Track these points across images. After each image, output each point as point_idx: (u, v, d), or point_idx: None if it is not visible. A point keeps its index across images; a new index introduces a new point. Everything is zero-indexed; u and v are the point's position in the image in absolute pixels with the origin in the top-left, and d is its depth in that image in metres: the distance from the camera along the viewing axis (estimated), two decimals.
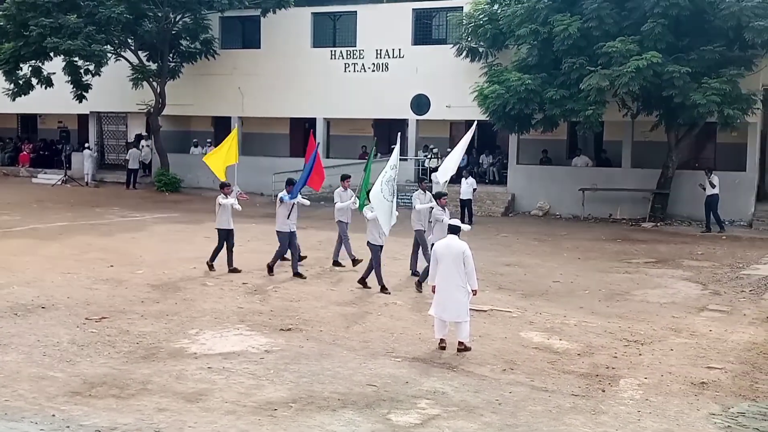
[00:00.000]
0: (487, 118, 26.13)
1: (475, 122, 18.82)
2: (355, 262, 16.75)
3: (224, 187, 16.62)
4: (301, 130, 31.82)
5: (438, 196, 14.97)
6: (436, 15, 31.26)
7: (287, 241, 16.03)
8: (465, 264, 10.94)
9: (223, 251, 16.33)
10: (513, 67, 25.78)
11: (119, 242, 19.92)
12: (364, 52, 31.21)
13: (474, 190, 25.88)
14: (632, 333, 12.14)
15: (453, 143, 31.79)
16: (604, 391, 9.42)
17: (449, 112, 30.02)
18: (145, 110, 33.44)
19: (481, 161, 31.41)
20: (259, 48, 33.17)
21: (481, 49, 28.24)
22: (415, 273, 16.06)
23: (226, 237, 16.33)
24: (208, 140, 35.20)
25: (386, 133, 30.98)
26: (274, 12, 31.62)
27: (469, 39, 28.19)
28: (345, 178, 17.56)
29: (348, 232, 17.12)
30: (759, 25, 21.77)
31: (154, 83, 32.44)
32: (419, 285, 14.82)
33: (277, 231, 16.14)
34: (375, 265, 14.85)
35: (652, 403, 8.99)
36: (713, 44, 23.03)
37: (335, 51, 31.85)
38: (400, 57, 30.69)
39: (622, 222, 26.25)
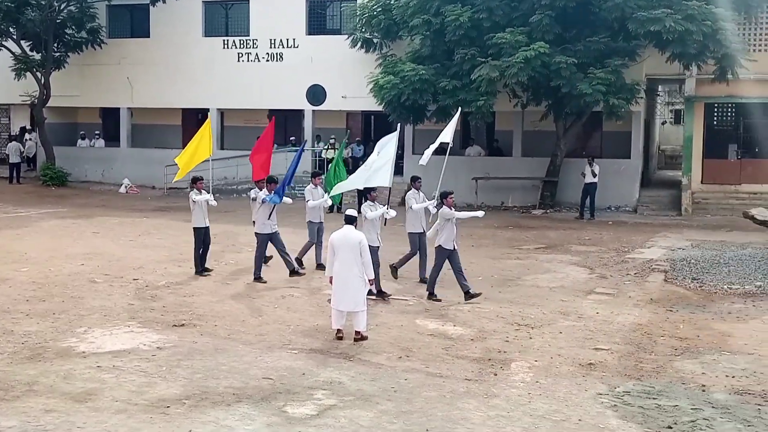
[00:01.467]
0: (383, 109, 26.28)
1: (459, 109, 18.13)
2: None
3: (197, 182, 15.44)
4: (194, 120, 31.15)
5: (444, 195, 13.66)
6: (330, 5, 31.20)
7: (266, 243, 15.00)
8: (362, 254, 10.98)
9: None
10: (407, 58, 25.99)
11: (2, 239, 19.08)
12: (258, 41, 30.88)
13: None
14: (523, 317, 12.45)
15: (351, 134, 31.89)
16: (496, 374, 9.63)
17: (345, 102, 30.03)
18: (29, 102, 32.16)
19: None
20: (149, 37, 32.36)
21: (375, 40, 28.36)
22: (423, 280, 14.68)
23: (203, 236, 15.37)
24: (96, 132, 34.16)
25: (282, 124, 30.70)
26: (164, 1, 30.90)
27: (363, 30, 28.26)
28: (316, 175, 16.63)
29: (316, 236, 16.04)
30: (642, 16, 22.60)
31: (38, 74, 31.23)
32: (431, 295, 13.56)
33: (256, 233, 15.03)
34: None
35: (542, 385, 9.24)
36: (599, 35, 23.83)
37: (228, 40, 31.39)
38: (294, 47, 30.49)
39: (513, 209, 26.88)
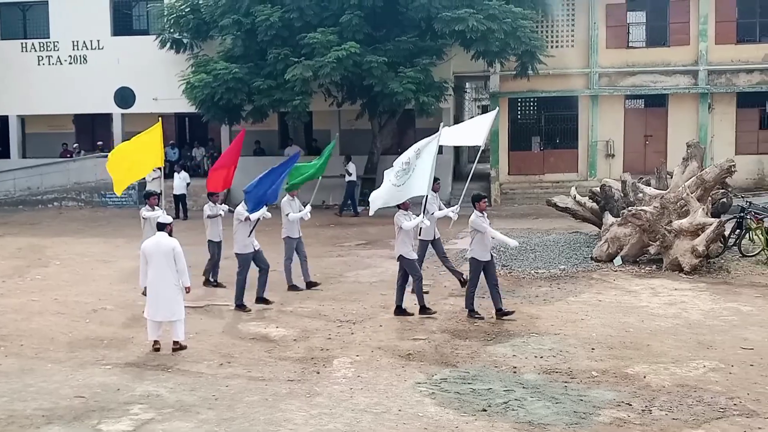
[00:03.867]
0: (196, 110, 25.74)
1: (497, 109, 16.23)
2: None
3: (150, 197, 13.95)
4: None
5: (477, 199, 12.23)
6: (136, 5, 30.21)
7: (249, 264, 13.22)
8: (176, 261, 10.66)
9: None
10: (219, 57, 25.58)
11: None
12: (59, 44, 29.42)
13: (187, 184, 25.38)
14: (345, 313, 12.59)
15: (164, 137, 30.97)
16: (318, 372, 9.68)
17: (157, 104, 29.08)
18: None
19: (193, 154, 30.86)
20: None
21: (185, 40, 27.73)
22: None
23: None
24: None
25: (89, 128, 29.43)
26: None
27: (172, 30, 27.54)
28: (293, 187, 14.91)
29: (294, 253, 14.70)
30: (446, 16, 23.42)
31: None
32: (472, 312, 12.29)
33: (237, 254, 13.23)
34: (415, 280, 12.48)
35: (364, 379, 9.38)
36: (407, 35, 24.47)
37: (26, 43, 29.70)
38: (99, 49, 29.28)
39: (334, 207, 27.08)
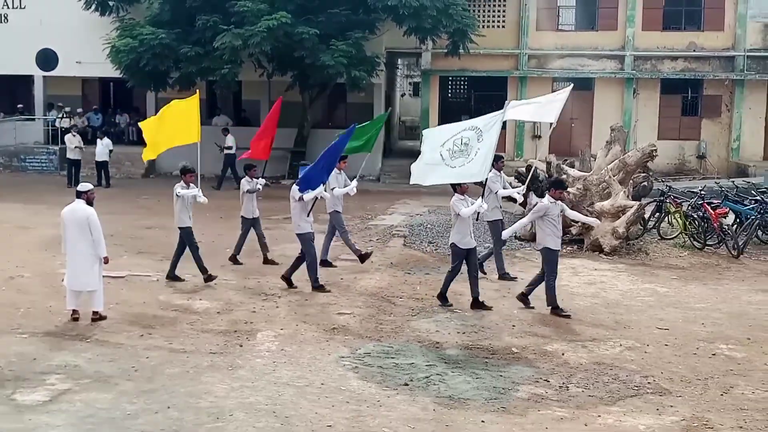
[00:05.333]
0: (121, 74, 25.08)
1: (571, 86, 14.97)
2: (364, 257, 13.83)
3: (186, 174, 12.89)
4: None
5: (558, 185, 11.67)
6: None
7: (312, 241, 12.51)
8: (91, 230, 10.37)
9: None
10: (146, 22, 24.91)
11: None
12: None
13: (110, 151, 24.76)
14: (270, 287, 12.51)
15: (86, 102, 30.19)
16: (241, 346, 9.61)
17: (80, 68, 28.26)
18: None
19: (117, 121, 30.12)
20: None
21: (111, 3, 26.86)
22: (504, 275, 13.33)
23: (186, 237, 12.78)
24: None
25: (8, 90, 28.41)
26: None
27: None
28: (341, 158, 13.60)
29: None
30: None
31: None
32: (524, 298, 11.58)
33: (299, 234, 12.48)
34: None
35: (287, 353, 9.36)
36: (340, 7, 24.23)
37: None
38: (20, 8, 28.23)
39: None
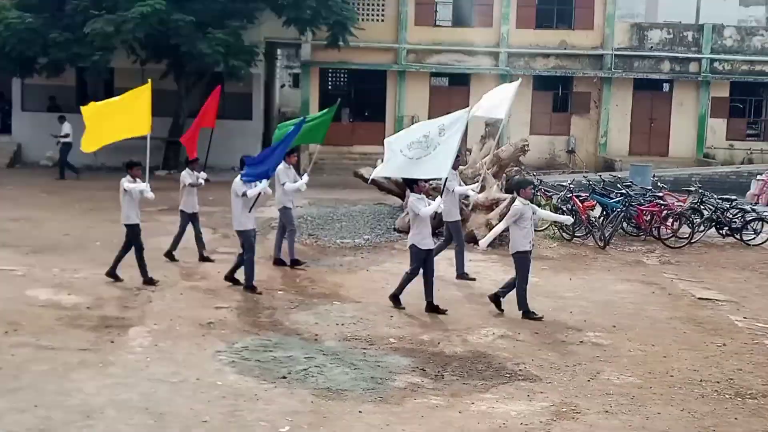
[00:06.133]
0: None
1: (519, 80, 14.11)
2: (297, 263, 13.44)
3: (133, 167, 12.28)
4: None
5: (526, 185, 11.47)
6: None
7: (253, 240, 12.01)
8: None
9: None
10: (12, 5, 23.74)
11: None
12: None
13: None
14: (143, 281, 12.16)
15: None
16: (113, 342, 9.32)
17: None
18: None
19: None
20: None
21: None
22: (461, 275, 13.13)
23: (133, 235, 12.20)
24: None
25: None
26: None
27: None
28: (289, 153, 13.20)
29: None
30: None
31: None
32: (526, 314, 10.98)
33: (238, 231, 11.93)
34: (409, 273, 11.19)
35: (161, 348, 9.14)
36: None
37: None
38: None
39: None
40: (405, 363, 8.97)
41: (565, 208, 16.89)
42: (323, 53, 27.91)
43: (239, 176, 11.82)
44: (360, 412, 7.56)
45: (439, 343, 9.70)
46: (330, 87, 30.18)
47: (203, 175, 13.85)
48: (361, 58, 28.86)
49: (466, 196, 14.14)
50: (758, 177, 23.97)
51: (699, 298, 12.39)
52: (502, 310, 11.13)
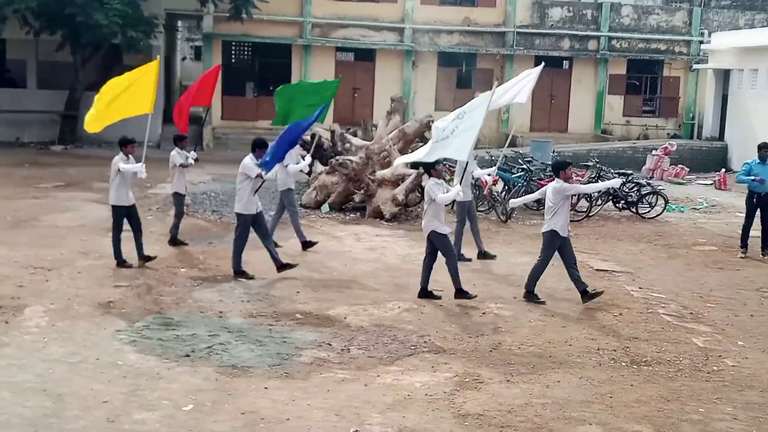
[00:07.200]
0: None
1: (543, 64, 13.83)
2: (308, 244, 13.10)
3: (126, 145, 11.56)
4: None
5: (561, 167, 10.66)
6: None
7: (249, 226, 11.47)
8: None
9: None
10: None
11: None
12: None
13: None
14: (39, 259, 11.74)
15: None
16: (7, 322, 8.97)
17: None
18: None
19: None
20: None
21: None
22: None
23: (126, 216, 11.57)
24: None
25: None
26: None
27: None
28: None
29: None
30: None
31: None
32: (530, 294, 10.81)
33: (238, 213, 11.47)
34: (449, 259, 10.63)
35: (59, 328, 8.86)
36: None
37: None
38: None
39: (30, 145, 25.14)
40: (311, 338, 8.95)
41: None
42: (226, 25, 27.38)
43: (248, 157, 11.39)
44: (266, 388, 7.51)
45: (345, 318, 9.72)
46: (233, 60, 29.67)
47: (193, 154, 13.34)
48: (265, 32, 28.45)
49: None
50: (653, 152, 24.92)
51: (596, 270, 12.80)
52: (594, 295, 10.67)
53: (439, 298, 10.70)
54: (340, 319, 9.70)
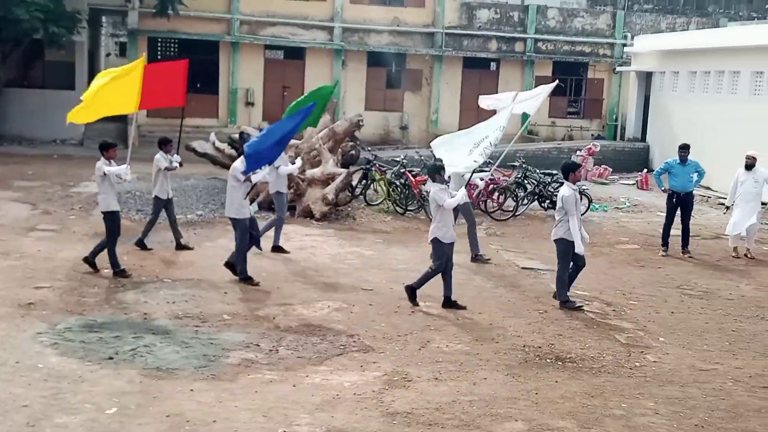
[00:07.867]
0: None
1: (556, 81, 14.27)
2: (278, 249, 12.86)
3: (109, 149, 11.37)
4: None
5: (571, 169, 10.64)
6: None
7: (248, 229, 11.11)
8: None
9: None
10: None
11: None
12: None
13: None
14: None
15: None
16: None
17: None
18: None
19: None
20: None
21: None
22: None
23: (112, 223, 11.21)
24: None
25: None
26: None
27: None
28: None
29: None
30: None
31: None
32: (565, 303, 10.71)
33: (233, 219, 11.12)
34: (433, 268, 10.44)
35: None
36: None
37: None
38: None
39: None
40: (239, 339, 8.86)
41: (398, 183, 17.20)
42: (152, 21, 26.88)
43: (239, 161, 11.07)
44: (191, 390, 7.40)
45: (274, 318, 9.65)
46: (159, 57, 29.09)
47: (177, 158, 13.07)
48: (192, 28, 28.05)
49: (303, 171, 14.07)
50: (578, 153, 25.43)
51: (522, 268, 13.00)
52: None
53: (464, 308, 10.41)
54: (268, 319, 9.63)
